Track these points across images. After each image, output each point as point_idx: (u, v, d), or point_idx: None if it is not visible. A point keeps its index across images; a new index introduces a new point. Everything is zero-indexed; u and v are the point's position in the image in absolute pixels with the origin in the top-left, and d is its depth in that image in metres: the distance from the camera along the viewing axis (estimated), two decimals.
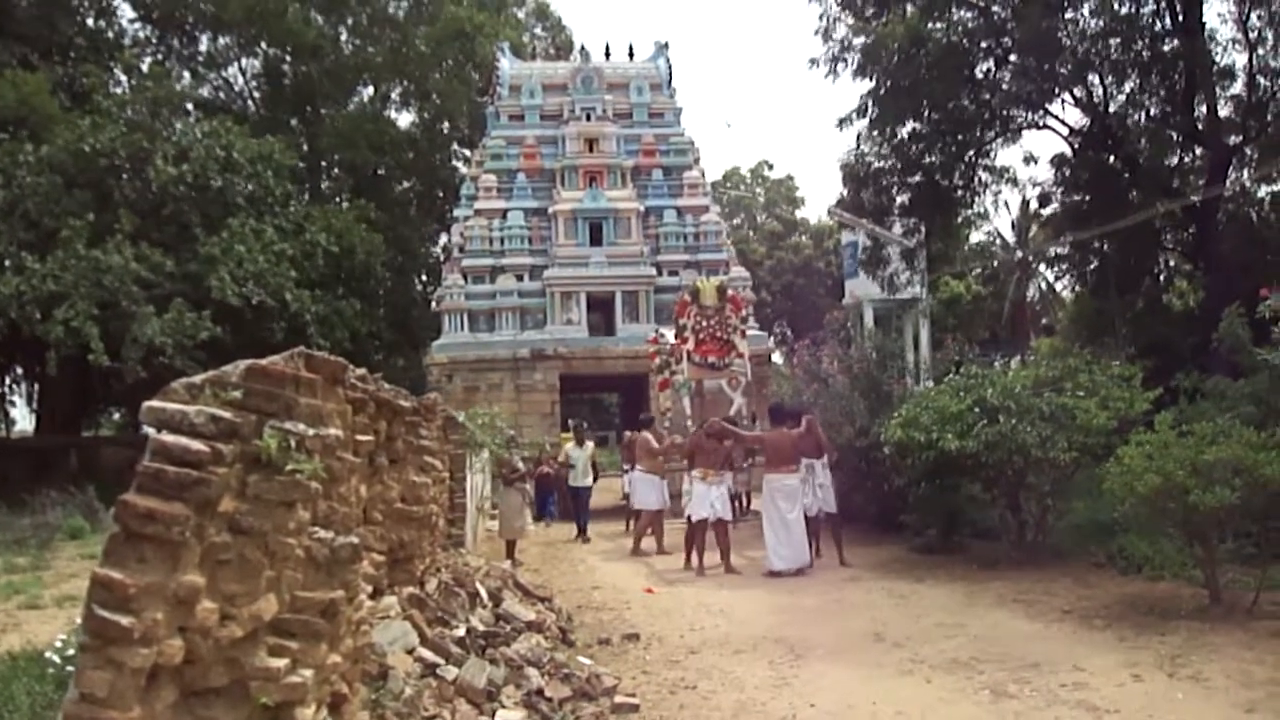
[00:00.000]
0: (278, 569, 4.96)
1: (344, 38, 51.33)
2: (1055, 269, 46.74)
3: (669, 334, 28.85)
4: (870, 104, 31.30)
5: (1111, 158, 31.91)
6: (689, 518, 19.30)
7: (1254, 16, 29.20)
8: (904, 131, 31.66)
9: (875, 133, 31.95)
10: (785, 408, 20.51)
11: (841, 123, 32.30)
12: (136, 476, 4.25)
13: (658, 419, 28.94)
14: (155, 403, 4.59)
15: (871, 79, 30.84)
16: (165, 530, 4.13)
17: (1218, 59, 29.71)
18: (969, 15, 30.28)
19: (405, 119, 55.64)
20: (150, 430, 4.54)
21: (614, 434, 44.01)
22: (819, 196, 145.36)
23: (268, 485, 4.81)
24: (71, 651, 7.27)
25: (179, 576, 4.23)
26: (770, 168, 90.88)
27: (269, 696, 4.72)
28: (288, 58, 50.38)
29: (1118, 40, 29.48)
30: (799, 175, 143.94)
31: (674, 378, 28.11)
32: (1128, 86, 30.84)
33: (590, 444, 27.49)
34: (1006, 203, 68.58)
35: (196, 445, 4.36)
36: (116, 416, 60.36)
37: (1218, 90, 29.88)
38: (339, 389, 6.48)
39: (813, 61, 32.57)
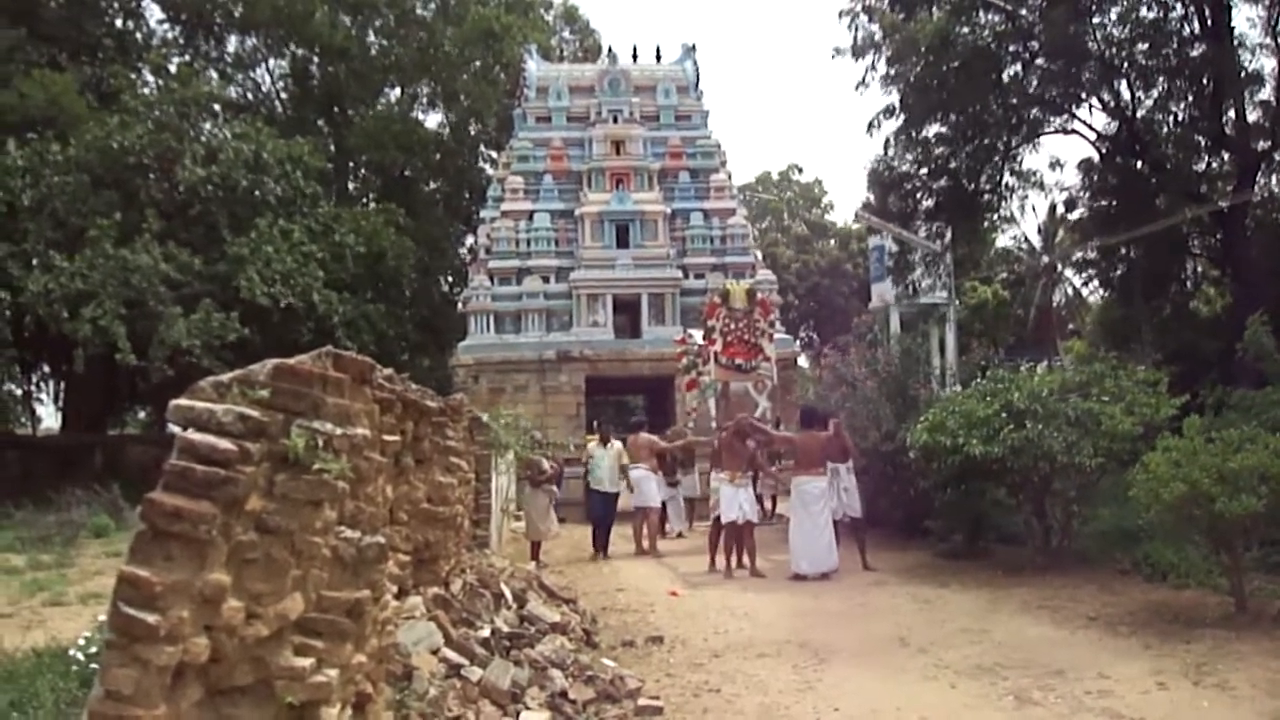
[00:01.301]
0: (304, 568, 4.97)
1: (371, 38, 51.34)
2: (1082, 274, 46.74)
3: (697, 335, 28.88)
4: (897, 107, 31.35)
5: (1139, 163, 31.84)
6: (716, 519, 19.32)
7: None
8: (930, 134, 31.70)
9: (902, 137, 31.98)
10: (816, 411, 20.52)
11: (870, 126, 32.41)
12: (164, 474, 4.26)
13: (683, 419, 29.05)
14: (183, 401, 4.60)
15: (898, 82, 30.89)
16: (192, 529, 4.14)
17: (1246, 64, 29.69)
18: (996, 19, 30.28)
19: (433, 120, 55.70)
20: (176, 429, 4.56)
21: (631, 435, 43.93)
22: (847, 200, 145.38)
23: (295, 484, 4.82)
24: (96, 649, 7.30)
25: (205, 575, 4.24)
26: (800, 171, 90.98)
27: (294, 696, 4.73)
28: (315, 58, 50.41)
29: (1145, 45, 29.45)
30: (827, 178, 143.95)
31: (701, 379, 28.13)
32: (1155, 91, 30.80)
33: (617, 444, 23.77)
34: (1034, 207, 68.74)
35: (224, 444, 4.37)
36: (142, 415, 60.44)
37: (1246, 95, 29.78)
38: (366, 389, 6.48)
39: (837, 51, 32.76)
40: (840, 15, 32.88)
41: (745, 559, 18.89)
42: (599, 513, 22.70)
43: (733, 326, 27.92)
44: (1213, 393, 18.48)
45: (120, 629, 3.98)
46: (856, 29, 32.57)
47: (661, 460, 24.40)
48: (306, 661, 4.85)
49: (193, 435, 4.37)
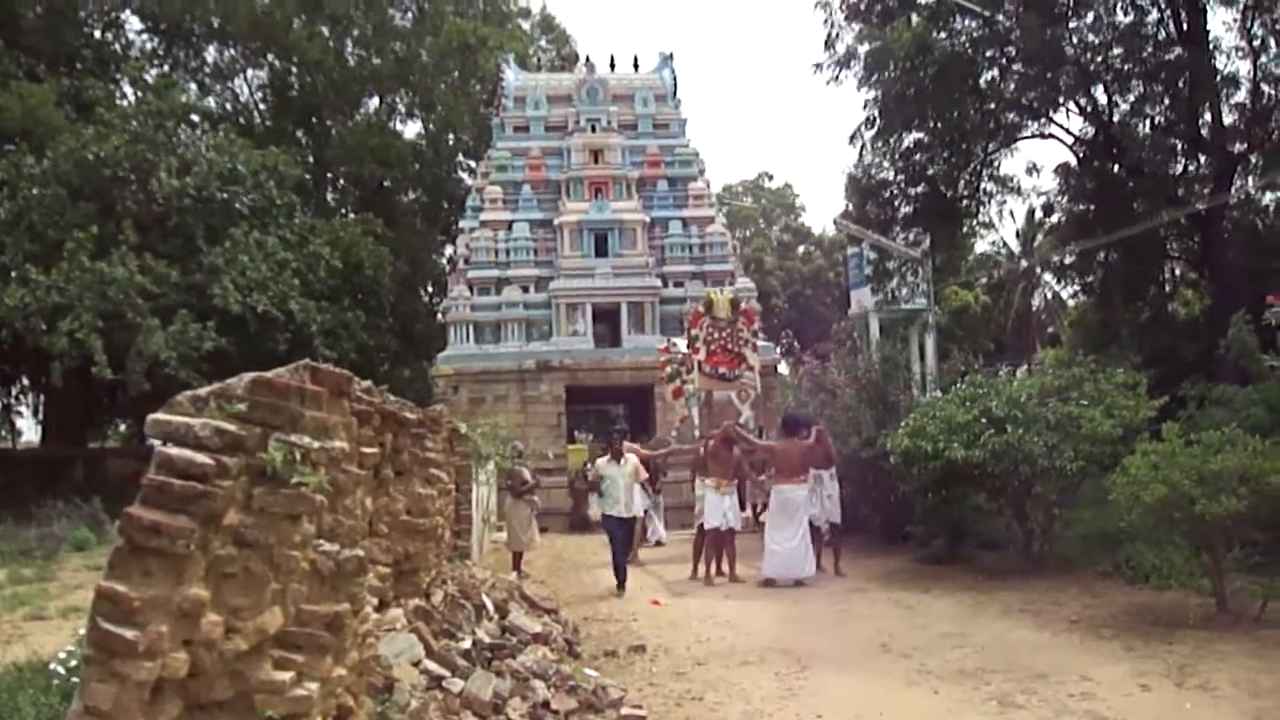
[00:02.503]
0: (283, 582, 4.96)
1: (349, 49, 51.26)
2: (1061, 278, 46.71)
3: (681, 343, 28.86)
4: (875, 113, 31.32)
5: (1116, 166, 31.83)
6: (700, 526, 19.34)
7: (1257, 24, 29.18)
8: (908, 141, 31.68)
9: (880, 143, 31.94)
10: (798, 419, 20.51)
11: (853, 137, 32.35)
12: (141, 489, 4.25)
13: (665, 428, 29.03)
14: (160, 415, 4.59)
15: (876, 88, 30.86)
16: (170, 543, 4.13)
17: (1221, 67, 29.69)
18: (974, 25, 30.26)
19: (411, 130, 55.73)
20: (155, 442, 4.54)
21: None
22: (824, 206, 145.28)
23: (273, 498, 4.81)
24: (77, 663, 7.27)
25: (184, 590, 4.23)
26: (770, 178, 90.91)
27: (274, 710, 4.72)
28: (294, 69, 50.30)
29: (1121, 49, 29.50)
30: (806, 185, 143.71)
31: (685, 387, 28.12)
32: (1132, 95, 30.81)
33: (632, 459, 19.78)
34: (1012, 212, 68.81)
35: (201, 458, 4.37)
36: (123, 428, 60.34)
37: (1222, 98, 29.83)
38: (344, 401, 6.47)
39: (817, 66, 32.57)
40: (817, 7, 32.71)
41: (726, 566, 18.94)
42: (617, 538, 18.81)
43: (716, 336, 27.89)
44: (1195, 387, 18.55)
45: (99, 644, 3.97)
46: (832, 27, 32.43)
47: (645, 468, 24.45)
48: (286, 675, 4.85)
49: (170, 450, 4.37)
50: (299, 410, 5.11)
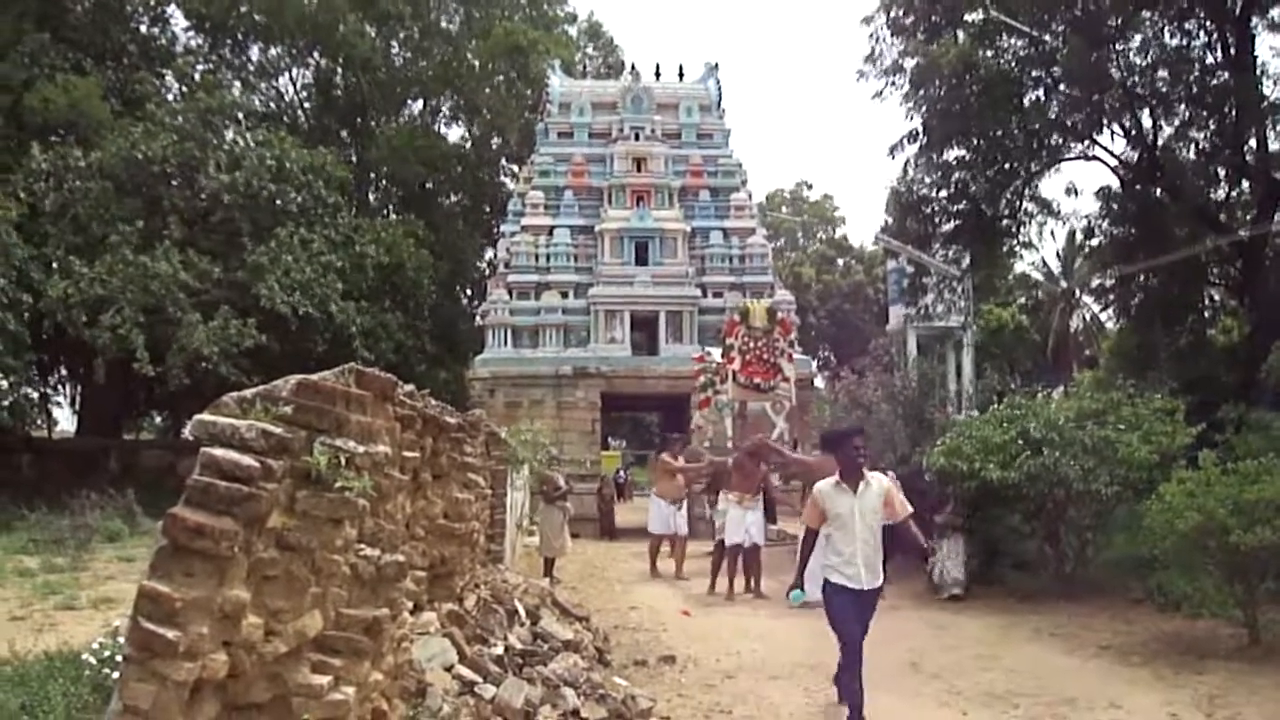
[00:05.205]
0: (323, 586, 4.98)
1: (395, 50, 51.40)
2: (1100, 301, 46.54)
3: (716, 353, 28.78)
4: (918, 128, 31.26)
5: (1158, 190, 31.67)
6: (720, 542, 19.21)
7: None
8: (951, 158, 31.58)
9: (922, 159, 31.87)
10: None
11: (893, 149, 32.28)
12: (186, 490, 4.26)
13: (696, 437, 28.84)
14: (206, 416, 4.61)
15: (920, 104, 30.79)
16: (213, 545, 4.14)
17: (1268, 93, 29.48)
18: (1020, 43, 30.17)
19: (455, 133, 55.81)
20: (191, 436, 4.57)
21: (654, 453, 43.70)
22: (864, 220, 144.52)
23: (316, 502, 4.83)
24: (109, 654, 7.31)
25: (225, 591, 4.24)
26: (809, 188, 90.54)
27: (311, 713, 4.74)
28: (339, 69, 50.42)
29: (1167, 73, 29.36)
30: (847, 197, 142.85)
31: (717, 397, 28.02)
32: (1176, 119, 30.65)
33: (881, 481, 10.28)
34: (1053, 233, 68.46)
35: (247, 460, 4.38)
36: (158, 420, 60.55)
37: (1268, 124, 29.62)
38: (388, 406, 6.50)
39: (860, 74, 32.58)
40: (863, 22, 32.74)
41: (751, 581, 18.82)
42: (849, 627, 10.00)
43: (752, 345, 27.83)
44: (1236, 409, 18.46)
45: (140, 644, 3.98)
46: (877, 40, 32.42)
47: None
48: (324, 679, 4.86)
49: (216, 451, 4.38)
50: (344, 414, 5.13)
